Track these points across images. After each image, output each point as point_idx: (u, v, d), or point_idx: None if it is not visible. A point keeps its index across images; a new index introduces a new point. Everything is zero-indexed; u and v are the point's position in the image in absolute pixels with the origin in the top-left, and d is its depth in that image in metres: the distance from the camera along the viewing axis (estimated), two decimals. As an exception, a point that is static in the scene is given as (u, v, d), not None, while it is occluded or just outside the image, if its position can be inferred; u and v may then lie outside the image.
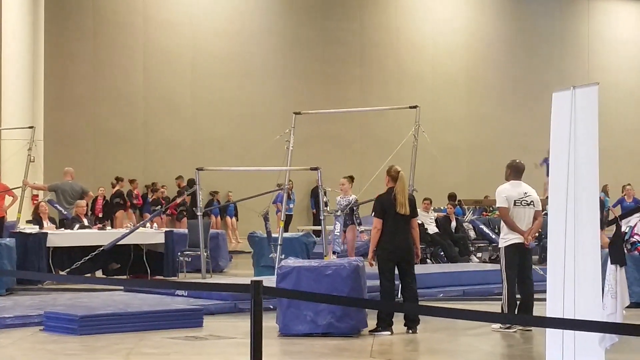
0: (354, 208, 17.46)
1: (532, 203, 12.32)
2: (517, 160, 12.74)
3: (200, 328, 12.25)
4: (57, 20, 28.38)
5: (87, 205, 20.27)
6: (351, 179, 18.03)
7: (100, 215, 25.96)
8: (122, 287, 15.31)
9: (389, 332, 11.87)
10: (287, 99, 31.50)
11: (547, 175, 26.55)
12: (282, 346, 11.26)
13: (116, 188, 27.48)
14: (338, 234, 16.85)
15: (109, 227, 20.82)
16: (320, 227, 17.56)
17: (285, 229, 20.20)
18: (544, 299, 8.65)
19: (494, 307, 13.05)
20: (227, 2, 31.97)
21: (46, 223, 18.64)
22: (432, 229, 21.76)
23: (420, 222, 16.96)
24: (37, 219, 18.89)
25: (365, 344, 11.29)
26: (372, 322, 11.90)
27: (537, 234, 13.29)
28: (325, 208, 17.20)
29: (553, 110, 8.50)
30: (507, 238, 12.27)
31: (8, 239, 16.76)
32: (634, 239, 9.10)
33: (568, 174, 8.24)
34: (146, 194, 28.75)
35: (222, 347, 11.21)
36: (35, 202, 21.84)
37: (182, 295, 14.26)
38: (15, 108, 24.81)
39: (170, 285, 14.56)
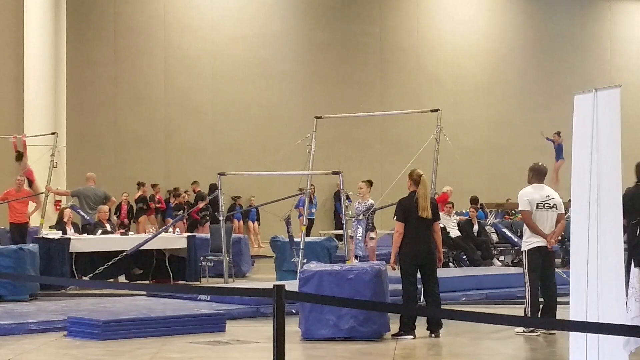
0: (370, 213, 17.35)
1: (554, 206, 12.28)
2: (540, 163, 12.70)
3: (222, 333, 12.26)
4: (78, 26, 28.49)
5: (109, 210, 20.33)
6: (369, 183, 17.92)
7: (126, 220, 26.06)
8: (145, 292, 15.34)
9: (412, 336, 11.85)
10: (307, 102, 31.51)
11: (557, 158, 26.43)
12: (304, 350, 11.26)
13: (139, 193, 27.56)
14: (360, 237, 16.84)
15: (132, 232, 20.87)
16: (342, 231, 17.54)
17: (307, 233, 20.22)
18: (567, 303, 8.62)
19: (517, 310, 13.00)
20: (247, 6, 32.02)
21: (69, 229, 18.70)
22: (454, 232, 21.71)
23: (442, 225, 16.92)
24: (61, 225, 18.96)
25: (388, 348, 11.28)
26: (394, 326, 11.89)
27: (560, 237, 13.23)
28: (346, 212, 17.18)
29: (575, 113, 8.47)
30: (529, 241, 12.23)
31: (31, 245, 16.83)
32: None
33: (590, 176, 8.21)
34: (168, 199, 28.78)
35: (244, 351, 11.21)
36: (58, 207, 21.93)
37: (205, 300, 14.29)
38: (38, 114, 24.95)
39: (192, 290, 14.59)
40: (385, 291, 11.88)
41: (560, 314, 11.92)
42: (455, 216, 22.41)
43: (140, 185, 27.83)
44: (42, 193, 21.06)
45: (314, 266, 12.22)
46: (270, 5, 32.42)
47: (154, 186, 28.32)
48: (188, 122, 30.80)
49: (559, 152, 27.57)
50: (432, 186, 15.97)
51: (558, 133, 28.53)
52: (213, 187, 25.55)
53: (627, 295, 8.54)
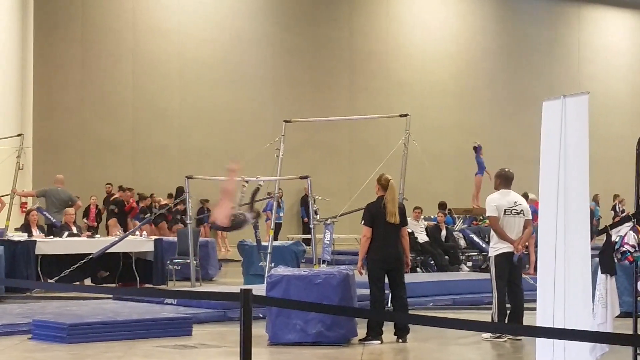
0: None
1: (522, 212, 12.33)
2: (506, 169, 12.74)
3: (189, 337, 12.20)
4: (46, 28, 28.33)
5: (75, 213, 20.22)
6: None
7: (95, 224, 25.87)
8: (111, 296, 15.26)
9: (379, 341, 11.84)
10: (276, 106, 31.47)
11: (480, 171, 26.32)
12: (271, 355, 11.23)
13: (114, 195, 27.39)
14: (328, 242, 16.82)
15: (98, 235, 20.76)
16: (310, 235, 17.51)
17: (275, 238, 20.17)
18: (534, 308, 8.64)
19: (484, 316, 13.04)
20: (216, 10, 31.96)
21: (35, 231, 18.58)
22: (422, 237, 21.74)
23: (410, 230, 16.93)
24: (26, 227, 18.83)
25: (355, 353, 11.27)
26: (362, 331, 11.88)
27: (527, 243, 13.27)
28: (315, 216, 17.15)
29: (543, 119, 8.50)
30: (497, 247, 12.27)
31: (-4, 247, 16.69)
32: (624, 249, 9.09)
33: (558, 183, 8.24)
34: (137, 202, 28.56)
35: (211, 355, 11.17)
36: (24, 210, 21.77)
37: (172, 304, 14.21)
38: (4, 116, 24.76)
39: (159, 294, 14.52)
40: (352, 296, 11.87)
41: (527, 319, 11.95)
42: (423, 221, 22.45)
43: (121, 188, 27.64)
44: (7, 195, 20.91)
45: (282, 270, 12.20)
46: (239, 9, 32.36)
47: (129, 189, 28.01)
48: (156, 125, 30.69)
49: (481, 165, 27.66)
50: (401, 191, 15.97)
51: (479, 146, 28.53)
52: (180, 191, 25.45)
53: (593, 302, 8.57)
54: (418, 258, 21.25)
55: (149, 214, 26.09)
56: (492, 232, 12.49)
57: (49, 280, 17.15)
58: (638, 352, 9.20)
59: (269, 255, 17.30)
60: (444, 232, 22.55)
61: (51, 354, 10.92)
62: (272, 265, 16.33)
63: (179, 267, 19.28)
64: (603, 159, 35.87)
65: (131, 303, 14.47)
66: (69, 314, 13.03)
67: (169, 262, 19.02)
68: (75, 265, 17.28)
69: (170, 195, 28.16)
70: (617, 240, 9.19)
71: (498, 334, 12.03)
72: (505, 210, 12.27)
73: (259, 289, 11.74)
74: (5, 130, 23.45)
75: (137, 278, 18.42)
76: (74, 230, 18.83)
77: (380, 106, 32.41)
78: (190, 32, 31.36)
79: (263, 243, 18.02)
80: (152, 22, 30.86)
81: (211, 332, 12.61)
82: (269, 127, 28.60)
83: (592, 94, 8.67)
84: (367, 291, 12.12)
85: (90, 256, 17.42)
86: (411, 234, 19.04)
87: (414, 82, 35.45)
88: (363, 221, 12.09)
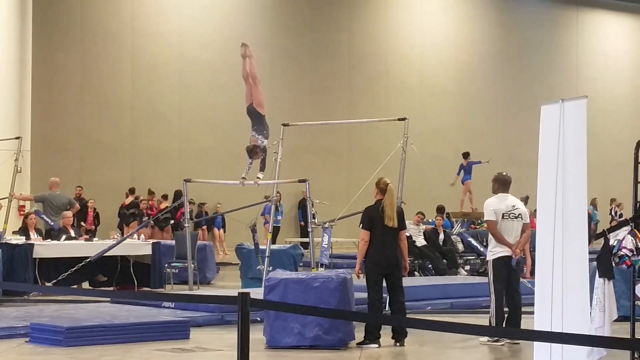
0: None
1: (520, 216, 12.32)
2: (504, 173, 12.73)
3: (187, 340, 12.19)
4: (44, 30, 28.33)
5: (73, 216, 20.19)
6: None
7: (93, 227, 25.82)
8: (108, 299, 15.23)
9: (377, 345, 11.84)
10: (275, 109, 31.38)
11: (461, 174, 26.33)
12: (269, 358, 11.22)
13: (130, 199, 27.37)
14: (326, 245, 16.81)
15: (96, 239, 20.75)
16: (308, 239, 17.51)
17: (273, 241, 20.18)
18: (532, 312, 8.63)
19: (482, 320, 13.03)
20: (215, 13, 31.97)
21: (33, 234, 18.56)
22: (420, 241, 21.73)
23: (408, 234, 16.91)
24: (24, 230, 18.81)
25: (353, 357, 11.26)
26: (359, 335, 11.87)
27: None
28: (313, 220, 17.15)
29: (541, 123, 8.49)
30: (495, 251, 12.26)
31: (-6, 250, 16.67)
32: (622, 253, 9.09)
33: (556, 186, 8.23)
34: (137, 204, 28.56)
35: (208, 359, 11.17)
36: (22, 213, 21.74)
37: (169, 307, 14.23)
38: (2, 118, 24.74)
39: (157, 297, 14.51)
40: (350, 299, 11.86)
41: (525, 323, 11.95)
42: (421, 225, 22.44)
43: (131, 191, 27.68)
44: (5, 198, 20.90)
45: (279, 274, 12.20)
46: (238, 12, 32.37)
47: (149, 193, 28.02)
48: (154, 128, 30.68)
49: (468, 170, 27.76)
50: (399, 195, 15.97)
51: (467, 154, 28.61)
52: (178, 194, 25.45)
53: (591, 305, 8.56)
54: (416, 262, 21.24)
55: (146, 217, 26.09)
56: (490, 236, 12.49)
57: (47, 284, 17.13)
58: (635, 355, 9.20)
59: (267, 258, 17.30)
60: (442, 236, 22.54)
61: (48, 357, 10.91)
62: (270, 268, 16.35)
63: (177, 271, 19.28)
64: (601, 163, 35.89)
65: (129, 306, 14.45)
66: (67, 317, 13.03)
67: (166, 265, 19.01)
68: (73, 269, 17.26)
69: (164, 197, 28.13)
70: (615, 244, 9.19)
71: (496, 338, 12.03)
72: (503, 214, 12.26)
73: (257, 293, 11.75)
74: (3, 132, 23.41)
75: (135, 281, 18.40)
76: (72, 233, 18.82)
77: (379, 110, 32.40)
78: (189, 35, 31.37)
79: (261, 246, 18.02)
80: (151, 24, 30.86)
81: (209, 336, 12.60)
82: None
83: (591, 98, 8.67)
84: (365, 295, 12.11)
85: (88, 259, 17.41)
86: (409, 238, 19.04)
87: (413, 86, 35.45)
88: (361, 225, 12.09)
